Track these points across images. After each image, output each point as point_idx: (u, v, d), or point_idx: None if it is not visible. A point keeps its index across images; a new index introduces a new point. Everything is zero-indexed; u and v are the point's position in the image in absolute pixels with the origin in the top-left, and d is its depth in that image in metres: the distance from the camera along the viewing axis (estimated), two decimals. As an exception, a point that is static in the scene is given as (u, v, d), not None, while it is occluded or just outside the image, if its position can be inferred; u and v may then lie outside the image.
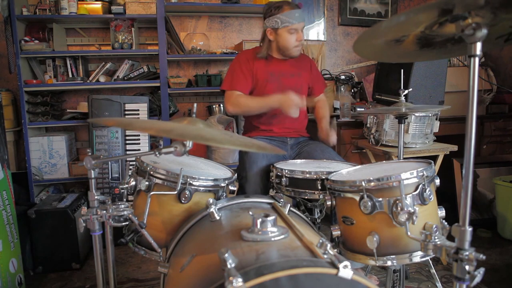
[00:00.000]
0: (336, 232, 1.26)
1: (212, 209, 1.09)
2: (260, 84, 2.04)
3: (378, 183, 1.13)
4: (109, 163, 2.67)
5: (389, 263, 1.14)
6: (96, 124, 2.73)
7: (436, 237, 0.95)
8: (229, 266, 0.70)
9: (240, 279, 0.65)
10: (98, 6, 2.84)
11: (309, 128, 2.22)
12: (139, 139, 2.81)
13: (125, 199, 1.20)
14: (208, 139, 0.98)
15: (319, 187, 1.47)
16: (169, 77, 2.90)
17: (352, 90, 3.18)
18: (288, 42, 1.98)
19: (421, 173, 1.15)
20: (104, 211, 1.08)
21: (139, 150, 2.81)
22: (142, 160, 1.31)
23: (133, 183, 1.30)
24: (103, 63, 2.96)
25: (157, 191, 1.25)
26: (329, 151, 1.93)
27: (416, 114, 2.14)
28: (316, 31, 3.53)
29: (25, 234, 2.23)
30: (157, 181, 1.26)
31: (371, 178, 1.14)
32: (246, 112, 2.11)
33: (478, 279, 0.79)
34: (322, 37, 3.55)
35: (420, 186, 1.14)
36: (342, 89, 3.05)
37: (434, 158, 2.16)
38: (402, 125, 1.87)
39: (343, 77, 3.15)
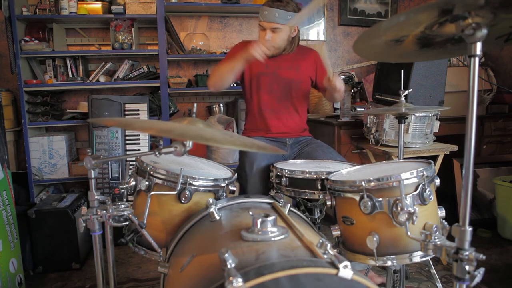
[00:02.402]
0: (336, 232, 1.26)
1: (212, 209, 1.09)
2: (254, 77, 2.04)
3: (378, 183, 1.13)
4: (109, 163, 2.67)
5: (389, 263, 1.14)
6: (96, 124, 2.73)
7: (436, 237, 0.95)
8: (229, 266, 0.70)
9: (240, 279, 0.65)
10: (98, 6, 2.84)
11: (309, 129, 2.22)
12: (139, 139, 2.81)
13: (125, 199, 1.20)
14: (208, 139, 0.98)
15: (319, 187, 1.47)
16: (169, 77, 2.90)
17: (352, 90, 3.18)
18: (259, 37, 1.96)
19: (421, 173, 1.15)
20: (104, 211, 1.08)
21: (139, 150, 2.81)
22: (142, 160, 1.31)
23: (133, 183, 1.30)
24: (103, 63, 2.96)
25: (157, 191, 1.25)
26: (330, 151, 1.93)
27: (416, 114, 2.14)
28: (316, 31, 3.53)
29: (25, 234, 2.23)
30: (157, 181, 1.26)
31: (371, 178, 1.14)
32: (221, 79, 1.97)
33: (478, 279, 0.79)
34: (322, 37, 3.55)
35: (420, 186, 1.14)
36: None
37: (434, 158, 2.16)
38: (402, 125, 1.87)
39: (343, 77, 3.15)
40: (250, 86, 2.08)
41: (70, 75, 2.94)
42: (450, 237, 0.88)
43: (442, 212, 1.23)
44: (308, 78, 2.12)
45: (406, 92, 1.84)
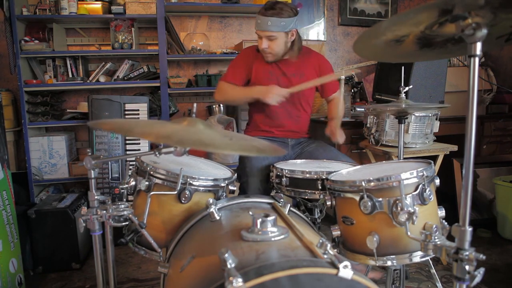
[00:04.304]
0: (336, 232, 1.26)
1: (212, 209, 1.09)
2: (257, 82, 2.01)
3: (378, 183, 1.13)
4: (109, 163, 2.67)
5: (389, 263, 1.14)
6: (96, 124, 2.73)
7: (436, 237, 0.95)
8: (229, 266, 0.70)
9: (240, 279, 0.65)
10: (98, 6, 2.84)
11: (310, 129, 2.21)
12: (139, 139, 2.81)
13: (125, 199, 1.20)
14: (208, 145, 0.96)
15: (319, 187, 1.47)
16: (169, 77, 2.90)
17: (352, 90, 3.18)
18: (259, 45, 1.95)
19: (421, 173, 1.15)
20: (104, 211, 1.08)
21: (139, 150, 2.81)
22: (142, 160, 1.31)
23: (133, 183, 1.30)
24: (103, 63, 2.96)
25: (157, 191, 1.25)
26: (330, 149, 1.93)
27: (416, 114, 2.14)
28: (316, 31, 3.53)
29: (25, 234, 2.23)
30: (157, 181, 1.26)
31: (371, 178, 1.14)
32: (230, 101, 2.12)
33: (478, 279, 0.79)
34: (322, 37, 3.55)
35: (420, 186, 1.14)
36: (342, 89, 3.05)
37: (434, 158, 2.16)
38: (402, 125, 1.87)
39: (342, 77, 3.15)
40: None
41: (70, 75, 2.94)
42: (450, 237, 0.88)
43: (442, 212, 1.23)
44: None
45: (407, 88, 1.84)
